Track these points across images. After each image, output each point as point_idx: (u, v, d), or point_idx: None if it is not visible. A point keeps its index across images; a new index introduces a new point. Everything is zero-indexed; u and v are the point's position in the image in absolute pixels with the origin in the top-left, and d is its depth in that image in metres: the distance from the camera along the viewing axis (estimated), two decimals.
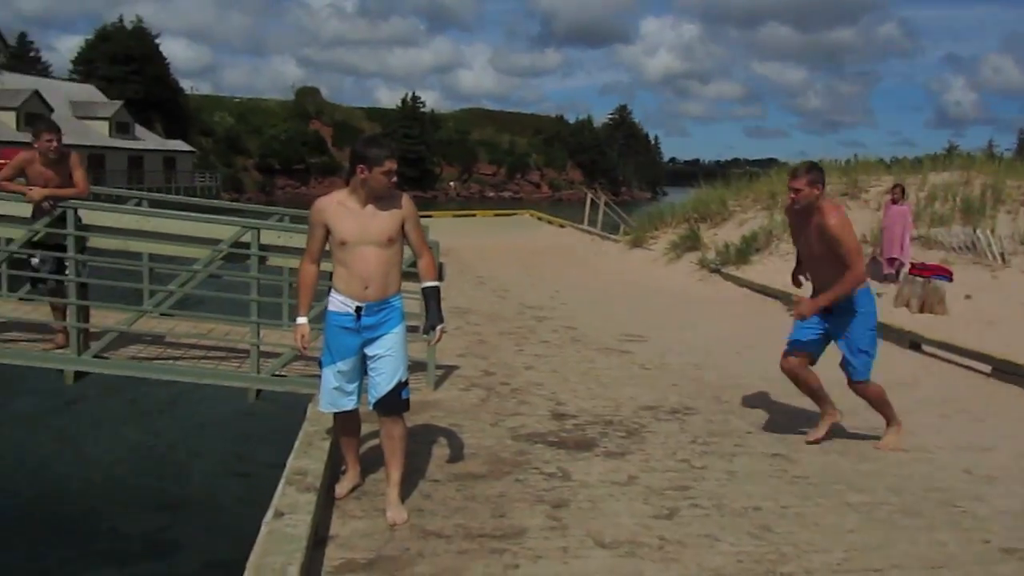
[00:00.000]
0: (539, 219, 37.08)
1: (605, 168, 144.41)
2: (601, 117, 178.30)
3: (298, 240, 8.19)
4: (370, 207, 5.12)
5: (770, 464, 6.60)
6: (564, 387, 8.87)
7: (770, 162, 52.40)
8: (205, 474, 12.60)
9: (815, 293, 6.86)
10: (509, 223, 36.95)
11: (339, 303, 5.23)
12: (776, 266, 17.72)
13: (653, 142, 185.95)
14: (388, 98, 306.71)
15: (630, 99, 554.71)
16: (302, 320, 5.31)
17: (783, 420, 7.84)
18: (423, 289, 5.33)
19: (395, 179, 5.12)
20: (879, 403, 7.07)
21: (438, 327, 5.32)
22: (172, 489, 12.08)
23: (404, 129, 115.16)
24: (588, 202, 33.54)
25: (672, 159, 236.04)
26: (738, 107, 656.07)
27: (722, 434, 7.38)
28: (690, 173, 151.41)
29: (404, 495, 5.43)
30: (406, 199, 5.26)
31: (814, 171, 6.65)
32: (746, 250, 19.19)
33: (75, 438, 13.88)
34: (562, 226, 32.70)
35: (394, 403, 5.25)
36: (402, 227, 5.20)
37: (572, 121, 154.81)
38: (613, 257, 23.63)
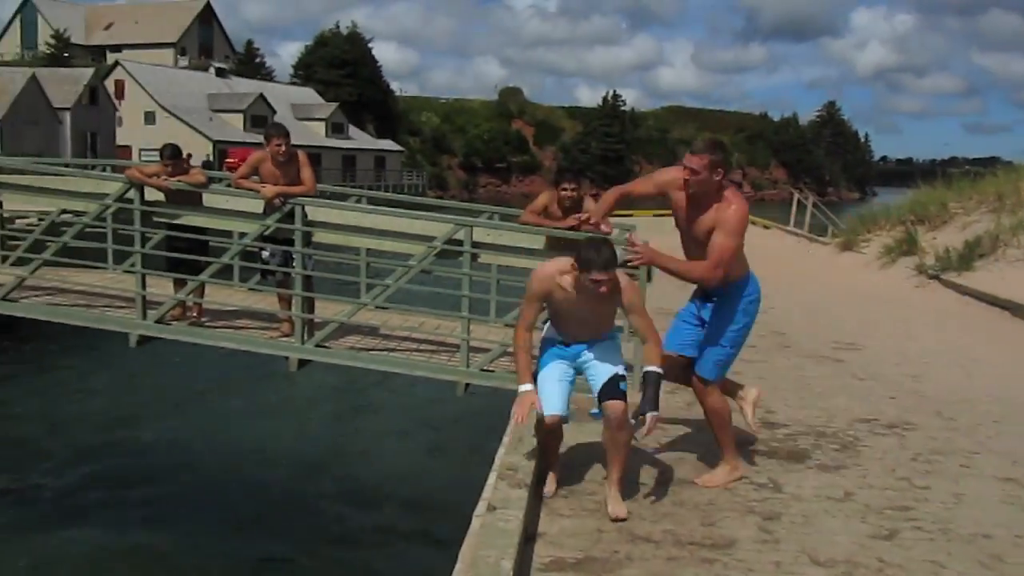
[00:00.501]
0: None
1: (810, 167, 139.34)
2: (807, 114, 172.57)
3: (507, 238, 8.37)
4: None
5: (1002, 489, 6.11)
6: (774, 395, 8.57)
7: (992, 160, 48.89)
8: (412, 460, 13.13)
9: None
10: None
11: (554, 332, 5.51)
12: (1004, 273, 16.47)
13: (862, 140, 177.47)
14: (588, 97, 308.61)
15: (838, 95, 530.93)
16: (528, 388, 5.29)
17: (1017, 443, 7.26)
18: (645, 373, 5.24)
19: (604, 289, 5.09)
20: (718, 423, 5.92)
21: (650, 414, 5.18)
22: (380, 474, 12.66)
23: (604, 128, 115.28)
24: (795, 202, 32.39)
25: (883, 158, 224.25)
26: (957, 102, 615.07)
27: (946, 453, 6.91)
28: (903, 173, 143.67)
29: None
30: (627, 287, 5.24)
31: (717, 151, 5.42)
32: (969, 256, 17.93)
33: (295, 422, 14.79)
34: (767, 227, 31.70)
35: (614, 390, 5.28)
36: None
37: (776, 118, 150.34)
38: (822, 260, 22.70)
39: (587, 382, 5.47)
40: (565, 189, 8.04)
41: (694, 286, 5.99)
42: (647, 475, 6.01)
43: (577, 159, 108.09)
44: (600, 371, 5.36)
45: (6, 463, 12.79)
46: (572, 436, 5.96)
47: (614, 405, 5.25)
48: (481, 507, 5.15)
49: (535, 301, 5.35)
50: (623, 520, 5.18)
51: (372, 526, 10.95)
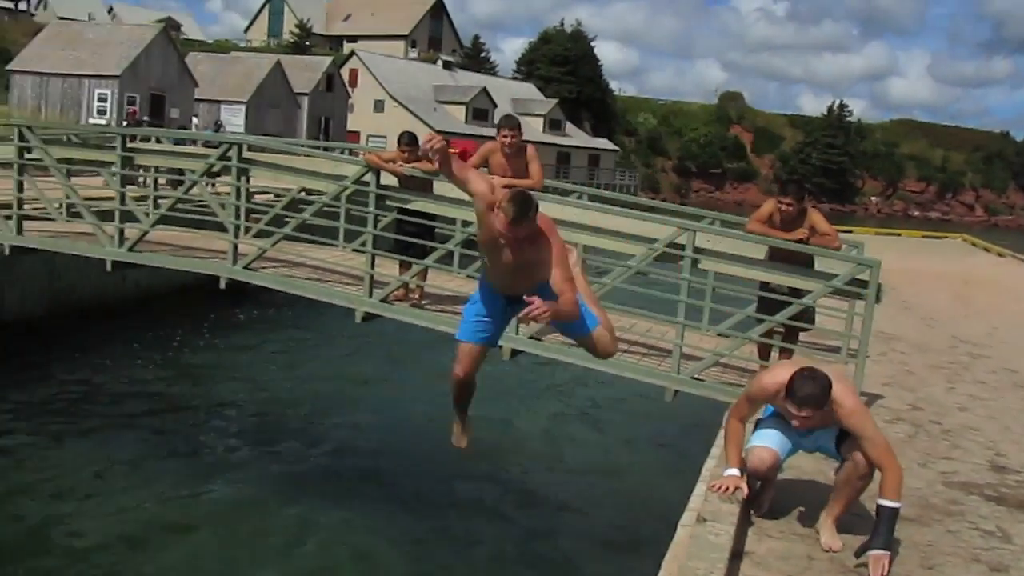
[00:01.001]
0: (973, 245, 33.79)
1: None
2: None
3: (727, 245, 8.19)
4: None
5: None
6: (1005, 436, 7.97)
7: None
8: (611, 459, 13.17)
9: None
10: (938, 246, 34.06)
11: None
12: None
13: None
14: (812, 105, 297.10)
15: None
16: (733, 473, 5.24)
17: None
18: (879, 506, 4.84)
19: (797, 424, 4.93)
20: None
21: (877, 552, 4.75)
22: (579, 468, 12.75)
23: (827, 138, 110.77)
24: None
25: None
26: None
27: None
28: None
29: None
30: (853, 411, 4.95)
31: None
32: None
33: (501, 408, 15.10)
34: (1001, 255, 29.54)
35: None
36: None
37: (1020, 138, 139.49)
38: None
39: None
40: (787, 202, 7.79)
41: None
42: (861, 506, 5.73)
43: (796, 169, 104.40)
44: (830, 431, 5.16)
45: (238, 420, 13.74)
46: (792, 460, 5.75)
47: (859, 462, 5.00)
48: (688, 517, 5.08)
49: (754, 404, 5.29)
50: (836, 552, 4.97)
51: (567, 520, 11.02)
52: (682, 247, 8.09)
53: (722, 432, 5.74)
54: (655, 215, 9.26)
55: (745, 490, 5.17)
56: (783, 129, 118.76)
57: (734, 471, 5.21)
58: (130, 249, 9.92)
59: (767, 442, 5.22)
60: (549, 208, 8.83)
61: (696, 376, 8.09)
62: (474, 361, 5.51)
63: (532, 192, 8.08)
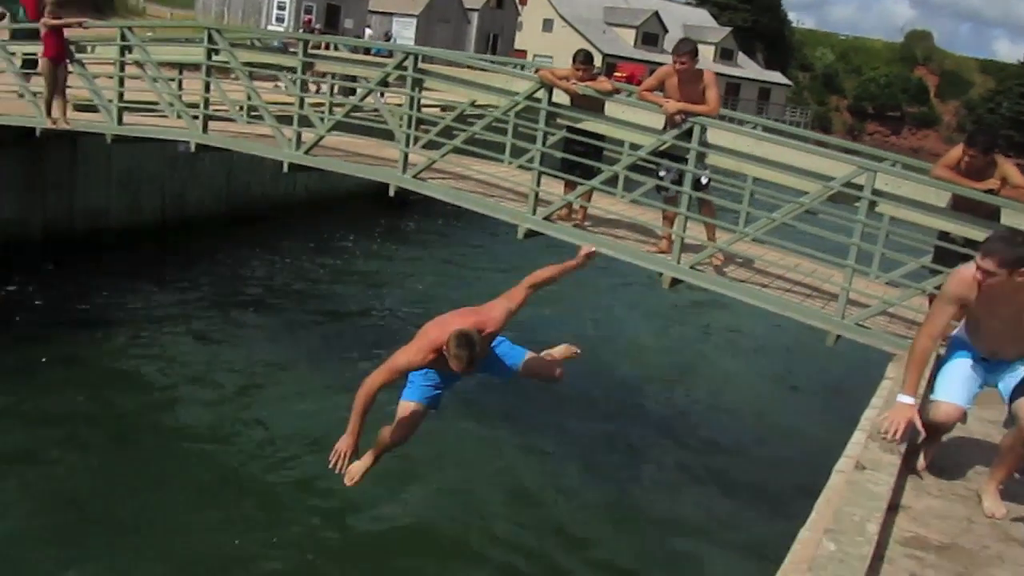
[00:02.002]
0: None
1: None
2: None
3: (907, 189, 7.79)
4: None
5: None
6: None
7: None
8: (764, 398, 13.04)
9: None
10: None
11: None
12: None
13: None
14: (1008, 51, 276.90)
15: None
16: (909, 401, 4.81)
17: None
18: None
19: None
20: None
21: None
22: (731, 404, 12.68)
23: (1021, 88, 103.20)
24: None
25: None
26: None
27: None
28: None
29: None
30: None
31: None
32: None
33: (658, 335, 15.13)
34: None
35: None
36: None
37: None
38: None
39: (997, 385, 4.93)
40: (971, 153, 7.32)
41: None
42: None
43: (983, 119, 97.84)
44: (1019, 371, 4.79)
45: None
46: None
47: None
48: (845, 464, 4.95)
49: (951, 305, 4.79)
50: (999, 518, 4.73)
51: (716, 458, 10.99)
52: (860, 188, 7.73)
53: (900, 359, 5.40)
54: (833, 152, 8.87)
55: (919, 424, 4.84)
56: (973, 74, 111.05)
57: (909, 400, 4.80)
58: (306, 152, 10.25)
59: (953, 396, 4.93)
60: (721, 137, 8.63)
61: (861, 323, 7.79)
62: (415, 424, 5.90)
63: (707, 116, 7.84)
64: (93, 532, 7.79)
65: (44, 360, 10.99)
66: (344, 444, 5.61)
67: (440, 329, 5.73)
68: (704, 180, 8.55)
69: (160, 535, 7.85)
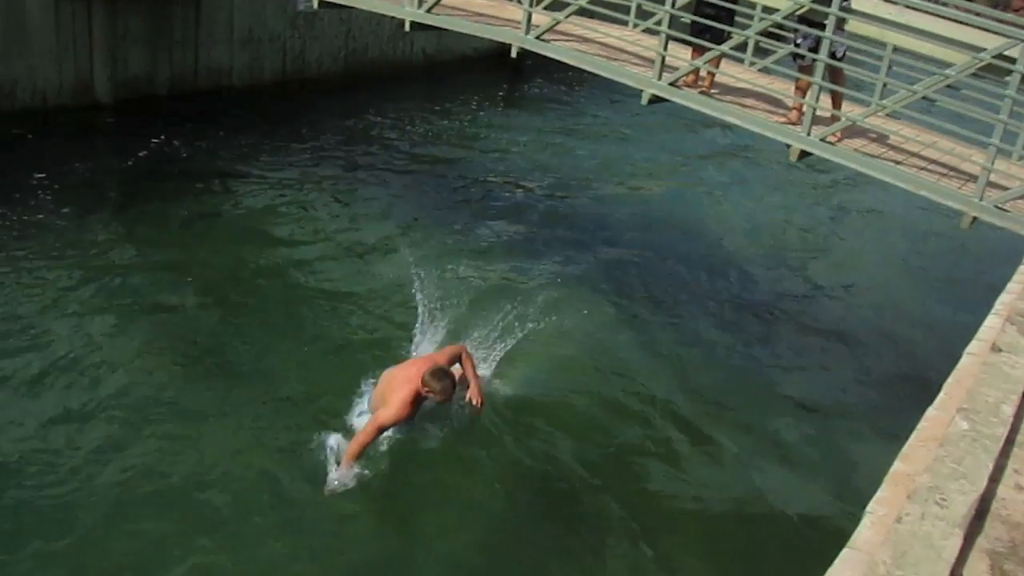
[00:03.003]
0: None
1: None
2: None
3: None
4: None
5: None
6: None
7: None
8: (891, 275, 12.82)
9: None
10: None
11: None
12: None
13: None
14: None
15: None
16: None
17: None
18: None
19: None
20: None
21: None
22: (855, 279, 12.52)
23: None
24: None
25: None
26: None
27: None
28: None
29: None
30: None
31: None
32: None
33: (779, 209, 14.82)
34: None
35: None
36: None
37: None
38: None
39: None
40: None
41: None
42: None
43: None
44: None
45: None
46: None
47: None
48: (977, 347, 4.79)
49: None
50: None
51: (835, 337, 10.84)
52: (1011, 61, 7.22)
53: None
54: (984, 20, 8.28)
55: None
56: None
57: None
58: (428, 11, 10.08)
59: None
60: (863, 2, 8.17)
61: (1000, 206, 7.41)
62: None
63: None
64: (216, 373, 8.16)
65: (185, 213, 11.40)
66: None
67: (407, 380, 6.77)
68: (840, 53, 8.12)
69: (280, 380, 8.15)
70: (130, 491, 6.66)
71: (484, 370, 8.11)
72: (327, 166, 13.79)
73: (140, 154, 12.98)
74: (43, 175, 11.59)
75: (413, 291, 9.33)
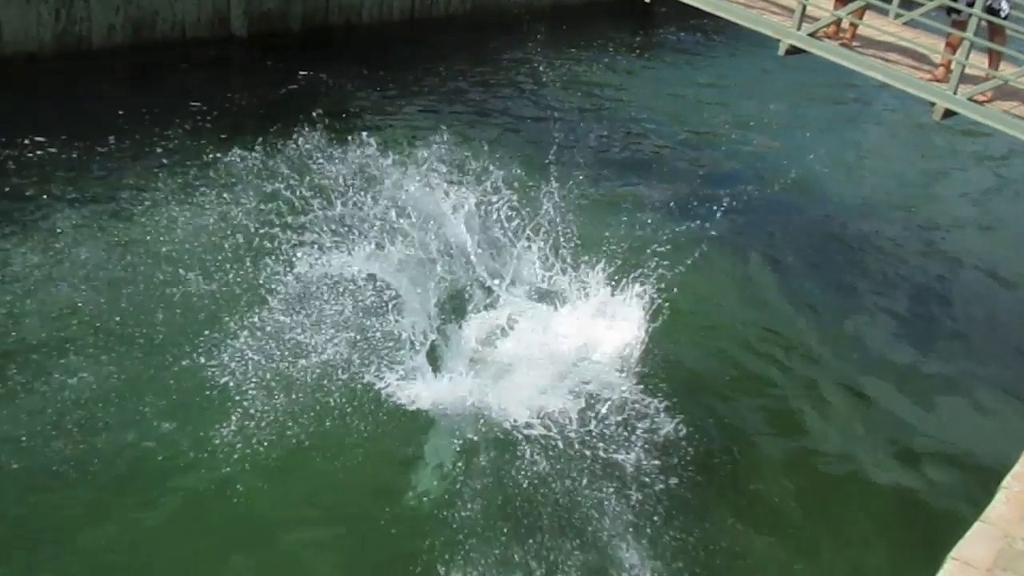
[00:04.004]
0: None
1: None
2: None
3: None
4: None
5: None
6: None
7: None
8: None
9: None
10: None
11: None
12: None
13: None
14: None
15: None
16: None
17: None
18: None
19: None
20: None
21: None
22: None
23: None
24: None
25: None
26: None
27: None
28: None
29: None
30: None
31: None
32: None
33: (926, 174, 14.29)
34: None
35: None
36: None
37: None
38: None
39: None
40: None
41: None
42: None
43: None
44: None
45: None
46: None
47: None
48: None
49: None
50: None
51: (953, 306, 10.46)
52: None
53: None
54: None
55: None
56: None
57: None
58: None
59: None
60: None
61: None
62: None
63: None
64: None
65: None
66: None
67: None
68: (1004, 11, 7.67)
69: None
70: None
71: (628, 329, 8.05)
72: (457, 107, 13.82)
73: (274, 86, 13.26)
74: (194, 103, 12.07)
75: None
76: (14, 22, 12.20)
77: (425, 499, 6.74)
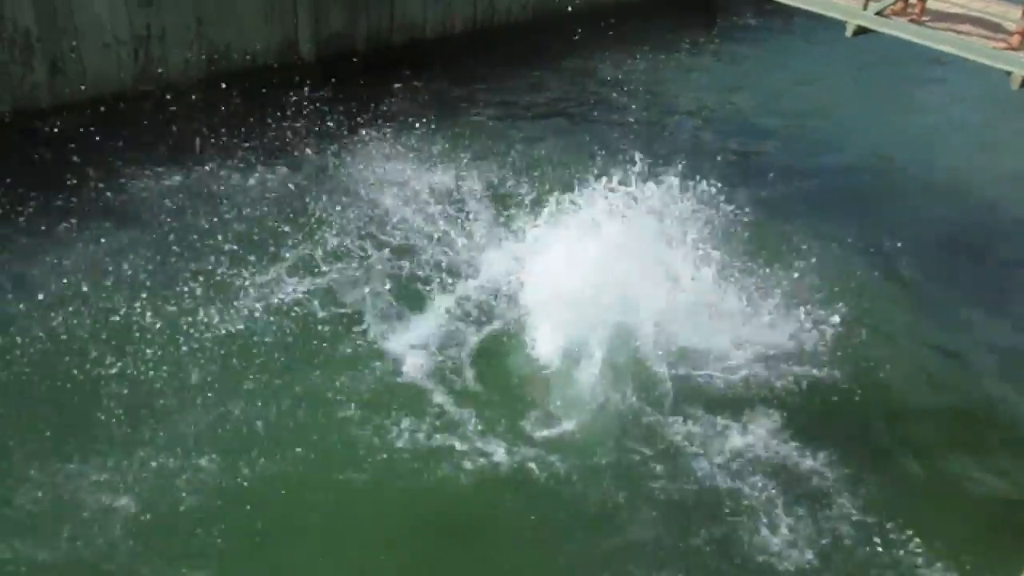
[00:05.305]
0: None
1: None
2: None
3: None
4: None
5: None
6: None
7: None
8: None
9: None
10: None
11: None
12: None
13: None
14: None
15: None
16: None
17: None
18: None
19: None
20: None
21: None
22: None
23: None
24: None
25: None
26: None
27: None
28: None
29: None
30: None
31: None
32: None
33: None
34: None
35: None
36: None
37: None
38: None
39: None
40: None
41: None
42: None
43: None
44: None
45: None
46: None
47: None
48: None
49: None
50: None
51: None
52: None
53: None
54: None
55: None
56: None
57: None
58: None
59: None
60: None
61: None
62: None
63: None
64: None
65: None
66: None
67: None
68: None
69: None
70: None
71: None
72: (516, 114, 13.95)
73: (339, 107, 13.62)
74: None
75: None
76: (96, 66, 12.74)
77: None
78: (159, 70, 13.29)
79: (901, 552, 7.14)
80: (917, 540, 7.23)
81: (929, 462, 8.10)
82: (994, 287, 10.61)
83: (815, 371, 8.73)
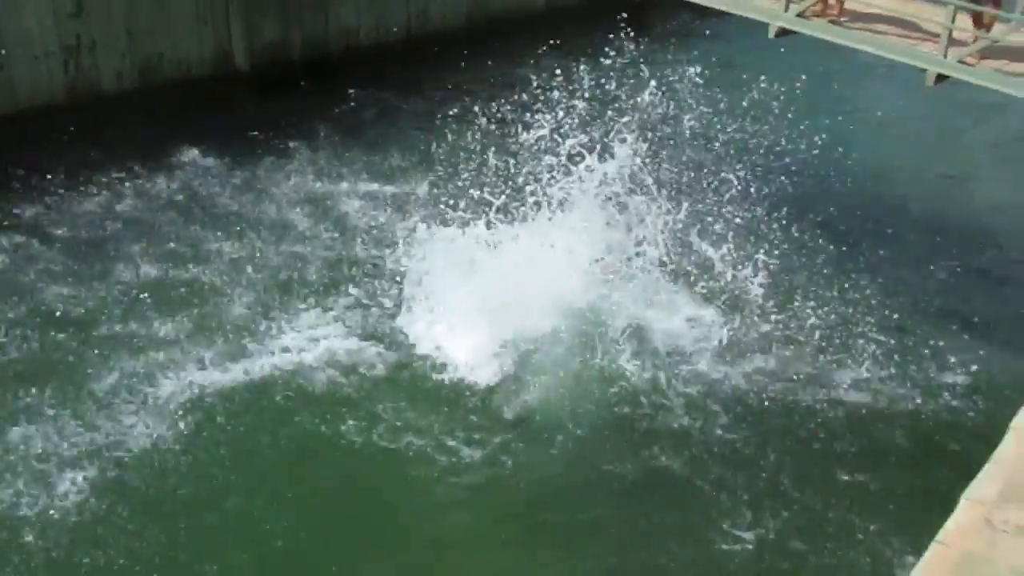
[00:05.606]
0: None
1: None
2: None
3: None
4: None
5: None
6: None
7: None
8: None
9: None
10: None
11: None
12: None
13: None
14: None
15: None
16: None
17: None
18: None
19: None
20: None
21: None
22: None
23: None
24: None
25: None
26: None
27: None
28: None
29: None
30: None
31: None
32: None
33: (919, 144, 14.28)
34: None
35: None
36: None
37: None
38: None
39: None
40: None
41: None
42: None
43: None
44: None
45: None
46: None
47: None
48: None
49: None
50: None
51: None
52: None
53: None
54: None
55: None
56: None
57: None
58: None
59: None
60: None
61: None
62: None
63: None
64: None
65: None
66: None
67: None
68: None
69: None
70: None
71: None
72: (436, 126, 14.00)
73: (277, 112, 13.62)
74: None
75: None
76: (25, 78, 12.56)
77: None
78: (90, 82, 13.15)
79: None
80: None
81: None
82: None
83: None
